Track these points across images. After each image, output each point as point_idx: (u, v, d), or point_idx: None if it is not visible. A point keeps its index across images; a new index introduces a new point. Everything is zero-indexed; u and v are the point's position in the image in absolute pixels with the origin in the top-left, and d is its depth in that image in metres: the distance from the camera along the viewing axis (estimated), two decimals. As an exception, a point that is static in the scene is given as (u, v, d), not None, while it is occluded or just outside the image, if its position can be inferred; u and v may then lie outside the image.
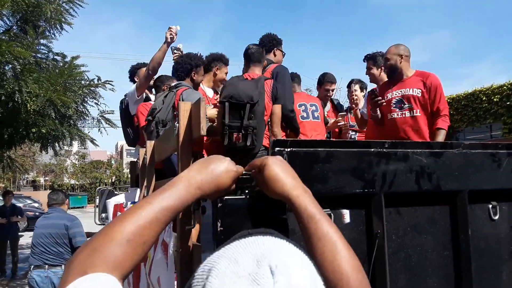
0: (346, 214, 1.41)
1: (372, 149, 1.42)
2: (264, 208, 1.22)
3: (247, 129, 2.55)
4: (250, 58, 3.10)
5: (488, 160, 1.60)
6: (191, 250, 1.44)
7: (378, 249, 1.39)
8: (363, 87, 4.02)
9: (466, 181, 1.54)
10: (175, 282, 1.66)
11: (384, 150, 1.43)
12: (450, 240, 1.55)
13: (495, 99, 13.72)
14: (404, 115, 3.13)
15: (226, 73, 3.45)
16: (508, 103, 13.31)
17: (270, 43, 3.47)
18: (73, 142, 7.92)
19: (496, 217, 1.64)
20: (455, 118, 15.17)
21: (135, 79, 4.36)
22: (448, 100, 15.44)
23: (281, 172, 0.93)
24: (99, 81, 7.44)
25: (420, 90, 3.08)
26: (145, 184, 2.69)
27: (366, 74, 3.77)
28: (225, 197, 1.19)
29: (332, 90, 4.08)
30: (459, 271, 1.52)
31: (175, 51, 3.81)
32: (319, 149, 1.34)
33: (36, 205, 17.34)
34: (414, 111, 3.10)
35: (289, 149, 1.28)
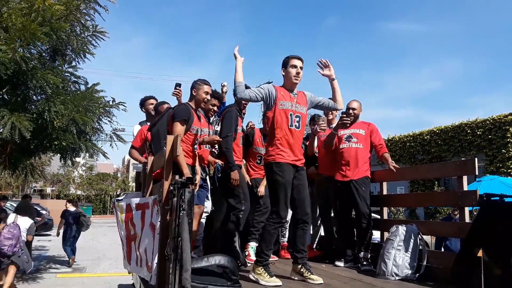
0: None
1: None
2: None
3: None
4: None
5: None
6: (167, 223, 2.37)
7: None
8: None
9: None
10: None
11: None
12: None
13: (478, 132, 14.60)
14: (351, 146, 4.22)
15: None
16: (490, 136, 14.17)
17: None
18: (86, 154, 8.96)
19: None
20: (442, 148, 16.02)
21: (143, 110, 5.33)
22: (437, 131, 16.36)
23: None
24: (113, 103, 8.56)
25: (364, 131, 4.30)
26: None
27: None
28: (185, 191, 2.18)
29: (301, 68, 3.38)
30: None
31: (176, 87, 4.22)
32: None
33: (44, 212, 18.27)
34: (359, 144, 4.19)
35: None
